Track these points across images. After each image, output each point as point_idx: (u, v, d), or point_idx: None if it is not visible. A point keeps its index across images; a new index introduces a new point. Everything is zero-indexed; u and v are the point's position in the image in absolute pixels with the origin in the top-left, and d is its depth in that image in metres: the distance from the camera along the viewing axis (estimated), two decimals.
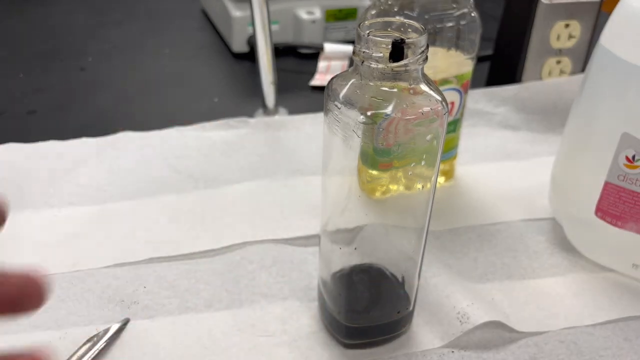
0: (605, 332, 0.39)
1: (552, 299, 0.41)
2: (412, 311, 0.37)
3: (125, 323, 0.39)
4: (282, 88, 0.63)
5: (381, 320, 0.36)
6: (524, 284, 0.42)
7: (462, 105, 0.48)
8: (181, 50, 0.79)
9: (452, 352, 0.37)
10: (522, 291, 0.42)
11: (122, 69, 0.74)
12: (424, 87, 0.29)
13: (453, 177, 0.53)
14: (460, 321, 0.38)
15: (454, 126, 0.49)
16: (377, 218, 0.33)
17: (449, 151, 0.51)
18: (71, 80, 0.71)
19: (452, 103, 0.47)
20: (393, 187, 0.32)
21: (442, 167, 0.51)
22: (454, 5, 0.43)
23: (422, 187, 0.32)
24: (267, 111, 0.62)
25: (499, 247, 0.46)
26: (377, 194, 0.33)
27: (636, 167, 0.39)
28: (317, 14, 0.76)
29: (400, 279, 0.36)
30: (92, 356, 0.36)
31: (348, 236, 0.33)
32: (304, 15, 0.75)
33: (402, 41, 0.28)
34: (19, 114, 0.64)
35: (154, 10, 0.92)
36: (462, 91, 0.47)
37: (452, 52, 0.45)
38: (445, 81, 0.46)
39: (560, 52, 0.64)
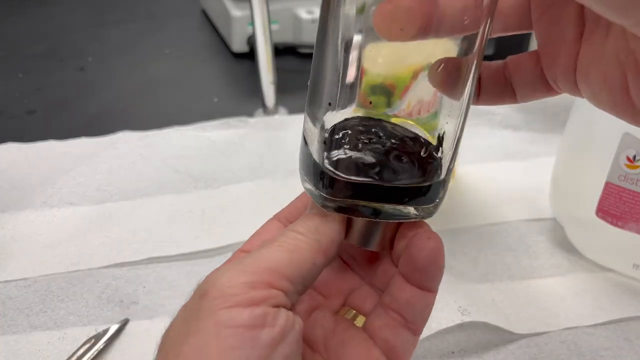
0: (605, 332, 0.39)
1: (552, 299, 0.41)
2: (444, 185, 0.26)
3: (124, 323, 0.38)
4: (282, 88, 0.63)
5: (393, 180, 0.24)
6: (524, 284, 0.42)
7: None
8: (181, 50, 0.79)
9: (453, 352, 0.37)
10: (523, 291, 0.42)
11: (122, 69, 0.74)
12: None
13: (453, 177, 0.53)
14: (461, 313, 0.38)
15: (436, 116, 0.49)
16: None
17: None
18: (71, 80, 0.71)
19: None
20: None
21: None
22: None
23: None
24: (267, 111, 0.62)
25: (500, 247, 0.46)
26: None
27: (637, 167, 0.39)
28: (317, 13, 0.76)
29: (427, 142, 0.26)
30: (92, 356, 0.36)
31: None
32: (304, 14, 0.75)
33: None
34: (19, 113, 0.64)
35: (154, 10, 0.92)
36: None
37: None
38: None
39: None
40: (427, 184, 0.25)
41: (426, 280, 0.25)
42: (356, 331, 0.26)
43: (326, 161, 0.25)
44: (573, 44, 0.24)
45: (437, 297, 0.39)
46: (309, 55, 0.77)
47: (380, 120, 0.25)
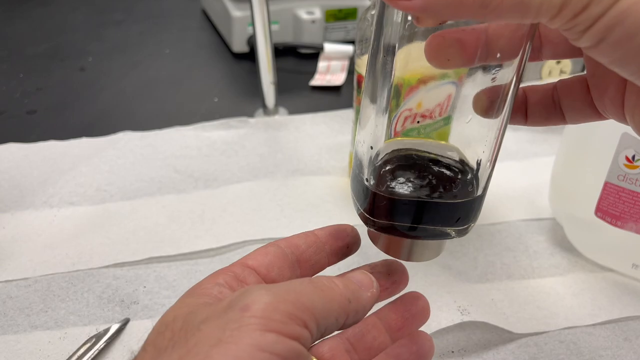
0: (605, 332, 0.39)
1: (552, 298, 0.41)
2: (480, 202, 0.28)
3: (125, 323, 0.39)
4: (282, 88, 0.63)
5: (431, 198, 0.26)
6: (523, 284, 0.42)
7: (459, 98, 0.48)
8: (181, 50, 0.79)
9: (452, 352, 0.37)
10: (522, 291, 0.42)
11: (122, 69, 0.74)
12: None
13: None
14: (461, 313, 0.38)
15: (449, 121, 0.49)
16: None
17: None
18: (71, 80, 0.71)
19: (450, 96, 0.47)
20: None
21: None
22: None
23: None
24: (267, 111, 0.62)
25: (499, 247, 0.46)
26: None
27: (636, 167, 0.39)
28: (317, 14, 0.76)
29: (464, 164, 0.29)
30: (92, 356, 0.36)
31: None
32: (304, 15, 0.75)
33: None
34: (19, 113, 0.64)
35: (154, 10, 0.92)
36: (458, 84, 0.47)
37: None
38: (444, 75, 0.46)
39: None
40: (463, 205, 0.27)
41: None
42: None
43: (372, 181, 0.27)
44: (621, 78, 0.24)
45: (437, 296, 0.39)
46: (309, 56, 0.77)
47: (421, 151, 0.28)
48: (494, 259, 0.45)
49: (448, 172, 0.28)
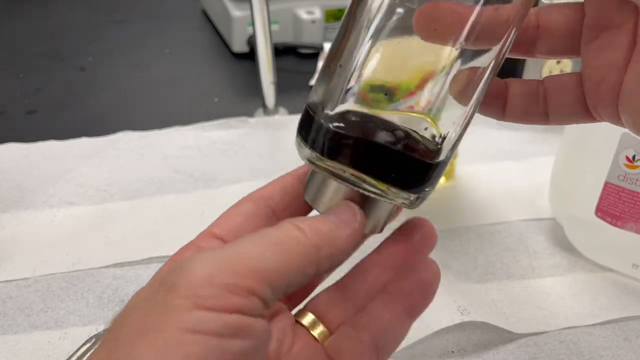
0: (605, 332, 0.39)
1: (552, 298, 0.41)
2: (439, 168, 0.25)
3: None
4: (282, 88, 0.63)
5: (392, 142, 0.23)
6: (523, 284, 0.42)
7: None
8: (181, 50, 0.79)
9: (452, 352, 0.37)
10: (522, 291, 0.42)
11: (122, 69, 0.74)
12: None
13: (453, 177, 0.53)
14: (461, 313, 0.38)
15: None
16: None
17: None
18: (71, 80, 0.71)
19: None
20: None
21: None
22: None
23: None
24: (267, 111, 0.62)
25: (499, 247, 0.46)
26: None
27: (636, 167, 0.39)
28: (317, 13, 0.76)
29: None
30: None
31: None
32: (303, 15, 0.75)
33: None
34: (19, 113, 0.64)
35: (154, 10, 0.92)
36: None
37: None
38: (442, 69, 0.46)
39: None
40: (417, 161, 0.23)
41: (418, 309, 0.24)
42: (315, 351, 0.23)
43: (327, 118, 0.23)
44: (619, 71, 0.23)
45: (437, 296, 0.39)
46: (309, 56, 0.77)
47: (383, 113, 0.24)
48: (494, 259, 0.45)
49: (413, 133, 0.24)
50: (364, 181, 0.23)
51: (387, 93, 0.24)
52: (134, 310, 0.20)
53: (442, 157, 0.24)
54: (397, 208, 0.25)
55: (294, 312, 0.26)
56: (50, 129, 0.61)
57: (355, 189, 0.23)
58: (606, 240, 0.42)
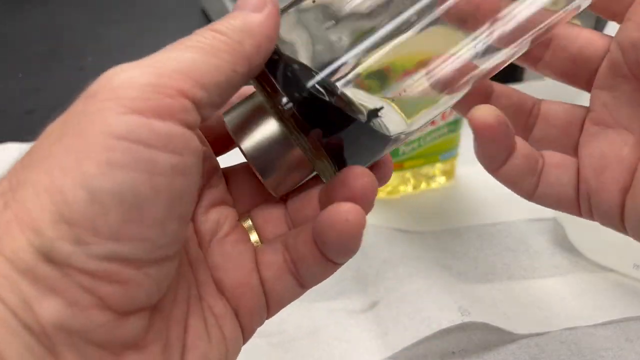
0: (606, 332, 0.39)
1: (553, 299, 0.41)
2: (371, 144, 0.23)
3: None
4: None
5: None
6: (524, 284, 0.42)
7: None
8: None
9: (453, 353, 0.37)
10: (523, 291, 0.42)
11: None
12: None
13: (453, 177, 0.53)
14: (461, 313, 0.38)
15: (454, 126, 0.49)
16: None
17: (450, 151, 0.50)
18: (70, 80, 0.71)
19: None
20: None
21: (442, 166, 0.51)
22: None
23: None
24: None
25: (500, 247, 0.46)
26: None
27: None
28: None
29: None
30: None
31: None
32: None
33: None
34: (18, 113, 0.64)
35: (154, 9, 0.92)
36: None
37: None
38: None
39: None
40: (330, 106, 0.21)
41: (335, 256, 0.22)
42: (246, 249, 0.23)
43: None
44: (624, 166, 0.23)
45: (437, 297, 0.38)
46: None
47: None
48: (494, 259, 0.44)
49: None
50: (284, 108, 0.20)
51: (381, 78, 0.23)
52: (51, 127, 0.18)
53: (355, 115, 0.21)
54: (304, 170, 0.23)
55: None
56: None
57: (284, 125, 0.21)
58: (607, 241, 0.42)
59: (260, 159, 0.22)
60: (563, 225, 0.47)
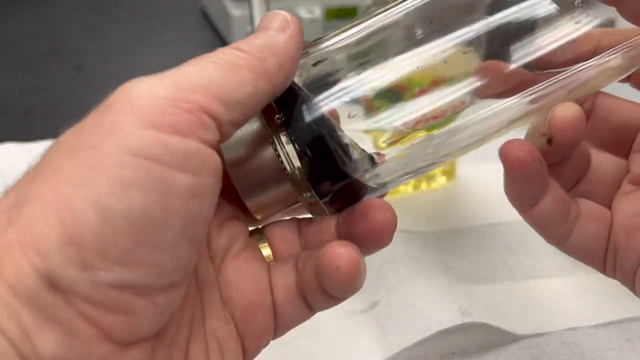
0: (607, 332, 0.39)
1: (553, 299, 0.41)
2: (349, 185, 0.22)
3: None
4: None
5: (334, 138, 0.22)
6: (525, 285, 0.42)
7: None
8: (181, 50, 0.79)
9: (453, 353, 0.37)
10: (524, 292, 0.41)
11: (122, 69, 0.74)
12: None
13: (454, 177, 0.52)
14: (462, 314, 0.38)
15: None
16: None
17: None
18: (70, 80, 0.71)
19: (462, 103, 0.47)
20: None
21: (443, 166, 0.51)
22: None
23: None
24: None
25: (500, 248, 0.45)
26: None
27: None
28: (317, 12, 0.75)
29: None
30: None
31: None
32: (304, 14, 0.75)
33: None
34: (17, 113, 0.63)
35: (154, 9, 0.92)
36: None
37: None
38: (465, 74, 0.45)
39: None
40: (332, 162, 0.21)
41: (334, 294, 0.22)
42: (260, 266, 0.22)
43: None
44: None
45: (437, 297, 0.38)
46: None
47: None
48: (495, 259, 0.44)
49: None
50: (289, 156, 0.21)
51: (393, 98, 0.23)
52: (64, 136, 0.17)
53: (358, 174, 0.22)
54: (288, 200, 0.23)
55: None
56: (48, 128, 0.60)
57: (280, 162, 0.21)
58: None
59: (246, 180, 0.22)
60: None
